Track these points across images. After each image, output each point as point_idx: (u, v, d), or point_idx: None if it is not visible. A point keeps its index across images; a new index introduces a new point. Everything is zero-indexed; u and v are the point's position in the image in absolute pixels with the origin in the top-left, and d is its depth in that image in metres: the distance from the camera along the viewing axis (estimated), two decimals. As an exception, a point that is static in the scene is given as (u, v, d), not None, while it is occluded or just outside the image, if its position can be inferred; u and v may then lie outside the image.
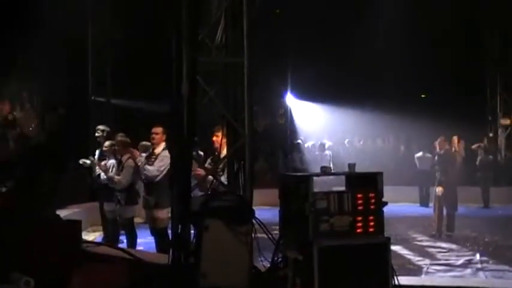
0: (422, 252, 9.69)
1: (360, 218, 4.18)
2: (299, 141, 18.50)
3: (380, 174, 4.30)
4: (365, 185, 4.27)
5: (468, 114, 18.43)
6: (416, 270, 8.36)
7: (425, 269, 8.42)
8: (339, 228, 4.14)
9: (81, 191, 12.77)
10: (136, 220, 9.85)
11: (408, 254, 9.42)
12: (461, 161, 11.25)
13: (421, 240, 10.73)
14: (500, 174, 15.88)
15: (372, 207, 4.21)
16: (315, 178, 4.15)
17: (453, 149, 11.38)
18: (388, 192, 14.01)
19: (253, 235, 4.63)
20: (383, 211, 4.26)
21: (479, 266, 8.58)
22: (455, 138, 11.33)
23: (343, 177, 4.24)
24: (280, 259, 4.50)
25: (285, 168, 18.21)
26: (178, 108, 4.48)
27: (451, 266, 8.65)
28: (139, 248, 9.19)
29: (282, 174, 5.28)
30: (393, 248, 9.67)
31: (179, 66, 4.55)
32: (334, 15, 18.97)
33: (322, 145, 16.52)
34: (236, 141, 4.93)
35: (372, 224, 4.20)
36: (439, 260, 9.10)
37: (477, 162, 15.57)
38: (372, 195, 4.22)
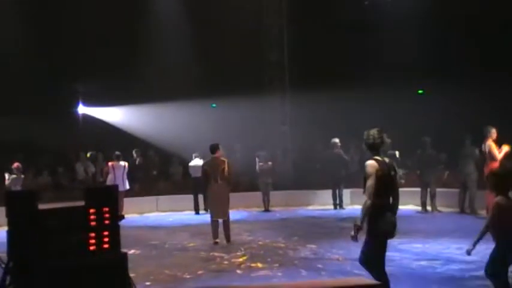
0: (196, 260, 9.75)
1: (93, 235, 3.95)
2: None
3: (116, 187, 4.12)
4: (100, 198, 4.06)
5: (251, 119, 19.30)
6: (188, 280, 8.36)
7: (190, 278, 8.46)
8: (69, 246, 3.88)
9: None
10: None
11: (179, 265, 9.36)
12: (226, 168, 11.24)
13: (198, 249, 10.78)
14: (279, 180, 16.76)
15: (107, 222, 4.01)
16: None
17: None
18: (171, 201, 13.83)
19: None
20: (118, 225, 4.08)
21: (246, 270, 8.81)
22: (219, 146, 11.39)
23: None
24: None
25: (71, 181, 17.48)
26: None
27: (222, 272, 8.80)
28: None
29: (7, 191, 4.82)
30: (167, 259, 9.80)
31: None
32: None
33: (117, 156, 15.90)
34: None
35: (106, 240, 4.00)
36: (210, 266, 9.21)
37: (257, 169, 16.23)
38: (106, 209, 4.01)
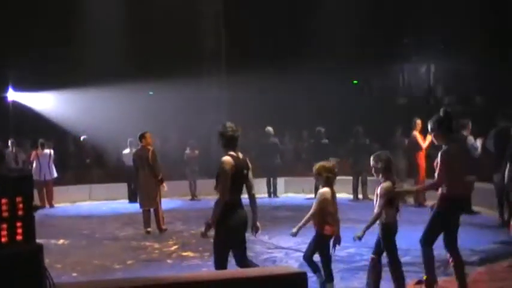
0: (127, 249, 9.62)
1: (4, 226, 3.78)
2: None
3: (29, 176, 3.96)
4: (14, 187, 3.88)
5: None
6: (117, 269, 8.24)
7: (119, 268, 8.36)
8: (-21, 239, 3.71)
9: None
10: None
11: (109, 255, 9.24)
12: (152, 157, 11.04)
13: (129, 238, 10.65)
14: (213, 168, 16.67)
15: (20, 212, 3.84)
16: None
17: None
18: (105, 190, 13.53)
19: None
20: (33, 216, 3.92)
21: (177, 259, 8.79)
22: (147, 135, 11.20)
23: None
24: None
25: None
26: None
27: (153, 262, 8.71)
28: None
29: None
30: (96, 249, 9.63)
31: None
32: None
33: (41, 144, 15.49)
34: None
35: (19, 231, 3.83)
36: (140, 256, 9.12)
37: (185, 157, 16.16)
38: (19, 199, 3.84)
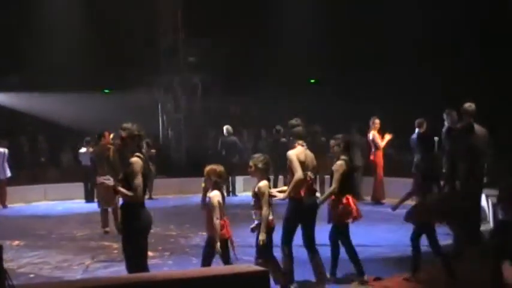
0: (85, 250, 9.51)
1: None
2: None
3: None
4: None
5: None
6: (76, 270, 8.14)
7: (78, 268, 8.27)
8: None
9: None
10: None
11: (67, 255, 9.13)
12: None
13: (87, 238, 10.53)
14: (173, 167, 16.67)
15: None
16: None
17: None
18: (60, 189, 13.32)
19: None
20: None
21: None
22: (106, 134, 11.19)
23: None
24: None
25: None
26: None
27: (112, 262, 8.63)
28: None
29: None
30: (53, 250, 9.48)
31: None
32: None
33: None
34: None
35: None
36: (99, 256, 9.03)
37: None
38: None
